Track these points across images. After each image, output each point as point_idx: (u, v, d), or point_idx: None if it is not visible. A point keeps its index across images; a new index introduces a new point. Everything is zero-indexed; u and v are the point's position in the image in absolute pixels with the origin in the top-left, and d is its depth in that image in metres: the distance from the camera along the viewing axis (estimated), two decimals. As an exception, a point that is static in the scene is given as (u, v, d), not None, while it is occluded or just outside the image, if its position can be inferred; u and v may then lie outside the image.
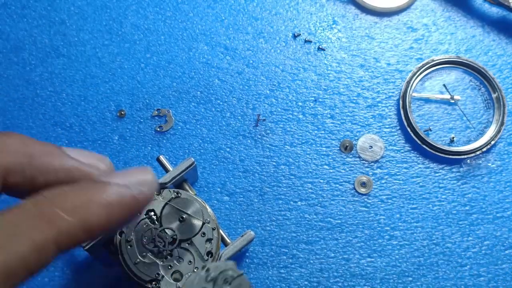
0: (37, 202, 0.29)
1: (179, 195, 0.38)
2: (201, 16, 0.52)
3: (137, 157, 0.48)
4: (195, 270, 0.36)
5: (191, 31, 0.52)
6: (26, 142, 0.32)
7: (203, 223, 0.37)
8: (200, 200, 0.38)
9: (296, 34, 0.52)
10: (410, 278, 0.46)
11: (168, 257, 0.37)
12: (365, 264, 0.46)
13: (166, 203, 0.38)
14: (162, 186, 0.39)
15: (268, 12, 0.52)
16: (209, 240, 0.37)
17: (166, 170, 0.41)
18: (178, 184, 0.41)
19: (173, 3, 0.52)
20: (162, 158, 0.42)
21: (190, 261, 0.37)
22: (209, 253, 0.37)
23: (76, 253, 0.45)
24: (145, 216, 0.37)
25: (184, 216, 0.37)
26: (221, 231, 0.40)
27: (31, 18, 0.51)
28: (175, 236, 0.37)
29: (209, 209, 0.38)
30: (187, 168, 0.40)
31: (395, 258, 0.46)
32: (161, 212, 0.37)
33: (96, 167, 0.33)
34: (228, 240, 0.41)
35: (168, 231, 0.37)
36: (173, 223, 0.37)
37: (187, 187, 0.41)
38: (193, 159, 0.41)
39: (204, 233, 0.37)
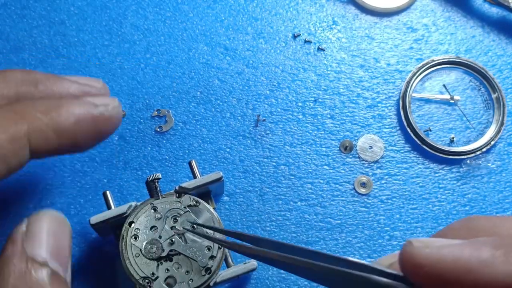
0: (13, 104, 0.32)
1: (198, 204, 0.38)
2: (201, 17, 0.52)
3: (137, 157, 0.48)
4: (190, 282, 0.36)
5: (191, 32, 0.52)
6: (28, 71, 0.36)
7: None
8: (216, 215, 0.38)
9: (296, 35, 0.52)
10: (410, 279, 0.46)
11: (168, 260, 0.37)
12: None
13: (184, 209, 0.38)
14: (184, 192, 0.39)
15: (268, 12, 0.52)
16: (212, 257, 0.37)
17: (194, 176, 0.41)
18: (201, 193, 0.41)
19: (173, 3, 0.52)
20: (193, 163, 0.42)
21: (187, 271, 0.37)
22: (208, 269, 0.37)
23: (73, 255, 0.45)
24: (161, 215, 0.37)
25: (196, 226, 0.37)
26: (227, 251, 0.40)
27: (31, 18, 0.51)
28: (182, 240, 0.37)
29: (222, 227, 0.38)
30: (213, 181, 0.40)
31: (395, 259, 0.46)
32: (174, 216, 0.38)
33: (93, 86, 0.37)
34: (231, 262, 0.41)
35: (179, 240, 0.37)
36: (185, 231, 0.37)
37: (208, 199, 0.41)
38: (221, 174, 0.40)
39: (209, 248, 0.37)
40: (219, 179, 0.40)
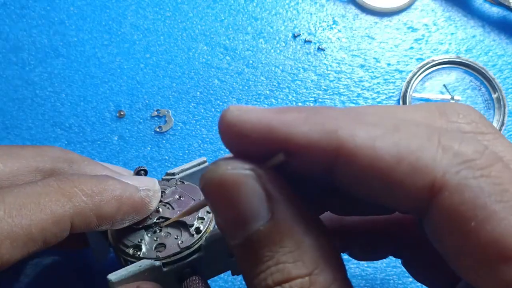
0: (61, 180, 0.32)
1: (183, 182, 0.39)
2: (201, 16, 0.52)
3: (137, 157, 0.48)
4: (180, 243, 0.36)
5: (191, 31, 0.51)
6: (65, 151, 0.37)
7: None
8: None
9: (296, 34, 0.52)
10: (411, 279, 0.45)
11: (158, 231, 0.37)
12: (365, 265, 0.46)
13: (170, 185, 0.38)
14: (171, 177, 0.39)
15: (268, 12, 0.52)
16: (201, 218, 0.37)
17: None
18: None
19: (173, 3, 0.52)
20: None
21: (176, 236, 0.37)
22: (198, 229, 0.37)
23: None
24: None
25: (182, 198, 0.38)
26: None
27: (30, 18, 0.51)
28: (168, 208, 0.37)
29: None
30: (198, 164, 0.40)
31: (395, 259, 0.46)
32: (162, 191, 0.38)
33: (123, 174, 0.37)
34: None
35: (165, 208, 0.37)
36: (171, 200, 0.38)
37: None
38: (205, 158, 0.41)
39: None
40: (203, 162, 0.40)
